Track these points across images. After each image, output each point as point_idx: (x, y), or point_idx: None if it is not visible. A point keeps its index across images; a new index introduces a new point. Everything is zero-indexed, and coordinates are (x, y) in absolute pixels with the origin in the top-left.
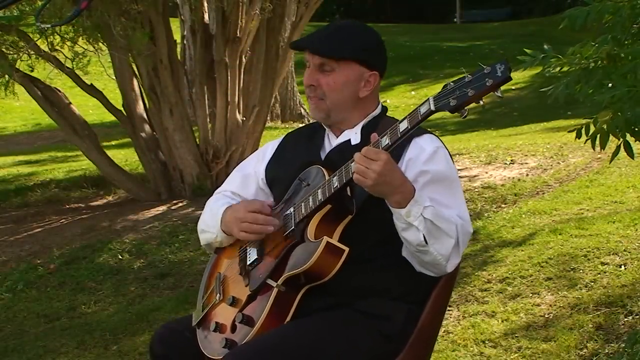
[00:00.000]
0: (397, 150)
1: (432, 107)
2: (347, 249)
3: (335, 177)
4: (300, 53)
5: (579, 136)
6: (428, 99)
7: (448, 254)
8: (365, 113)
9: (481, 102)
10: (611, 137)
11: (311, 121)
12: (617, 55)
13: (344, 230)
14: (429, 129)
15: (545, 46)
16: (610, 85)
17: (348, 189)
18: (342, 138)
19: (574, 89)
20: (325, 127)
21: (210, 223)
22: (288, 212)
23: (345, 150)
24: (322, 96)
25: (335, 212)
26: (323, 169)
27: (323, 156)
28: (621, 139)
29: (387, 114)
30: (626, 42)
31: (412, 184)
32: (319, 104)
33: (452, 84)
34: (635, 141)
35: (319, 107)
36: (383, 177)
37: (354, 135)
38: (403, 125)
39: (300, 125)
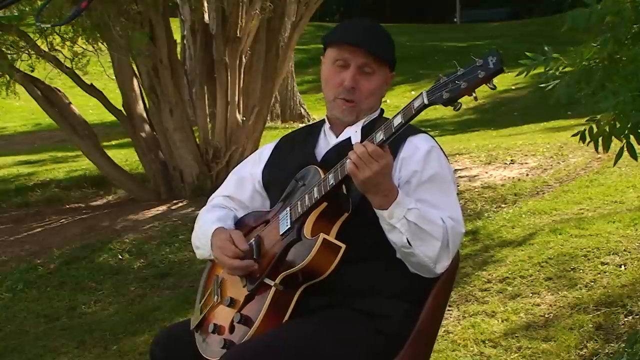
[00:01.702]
0: (392, 148)
1: (426, 101)
2: (343, 246)
3: (331, 175)
4: (301, 53)
5: (582, 139)
6: (421, 93)
7: (435, 255)
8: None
9: (474, 95)
10: (614, 139)
11: (311, 121)
12: (619, 56)
13: (340, 230)
14: (425, 129)
15: (546, 48)
16: (610, 86)
17: (344, 187)
18: (343, 137)
19: (575, 89)
20: (326, 125)
21: (203, 242)
22: (284, 212)
23: (344, 150)
24: (358, 100)
25: (332, 210)
26: (319, 168)
27: (319, 156)
28: (624, 141)
29: (386, 115)
30: (627, 43)
31: (397, 188)
32: (353, 106)
33: (444, 77)
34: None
35: (352, 110)
36: (376, 179)
37: (354, 134)
38: (397, 120)
39: (301, 125)
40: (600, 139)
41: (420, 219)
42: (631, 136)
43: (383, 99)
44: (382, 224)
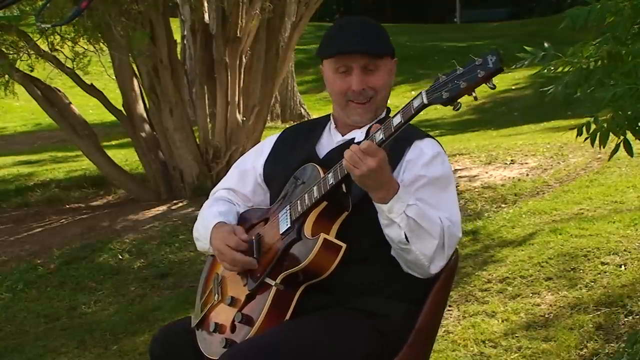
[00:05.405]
0: (397, 151)
1: (425, 101)
2: (344, 245)
3: (330, 174)
4: (301, 53)
5: (579, 134)
6: (421, 92)
7: (431, 254)
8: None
9: (474, 95)
10: (611, 136)
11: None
12: (618, 54)
13: (340, 229)
14: (425, 129)
15: (546, 44)
16: (611, 83)
17: (343, 185)
18: (348, 137)
19: (574, 89)
20: (332, 124)
21: (203, 234)
22: (284, 210)
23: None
24: (372, 96)
25: (332, 209)
26: (318, 166)
27: (321, 153)
28: (621, 137)
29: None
30: (627, 42)
31: (397, 182)
32: (368, 106)
33: (443, 76)
34: (635, 139)
35: (369, 108)
36: (373, 173)
37: (359, 134)
38: (396, 120)
39: None
40: (597, 135)
41: (419, 216)
42: (627, 132)
43: None
44: (381, 219)
